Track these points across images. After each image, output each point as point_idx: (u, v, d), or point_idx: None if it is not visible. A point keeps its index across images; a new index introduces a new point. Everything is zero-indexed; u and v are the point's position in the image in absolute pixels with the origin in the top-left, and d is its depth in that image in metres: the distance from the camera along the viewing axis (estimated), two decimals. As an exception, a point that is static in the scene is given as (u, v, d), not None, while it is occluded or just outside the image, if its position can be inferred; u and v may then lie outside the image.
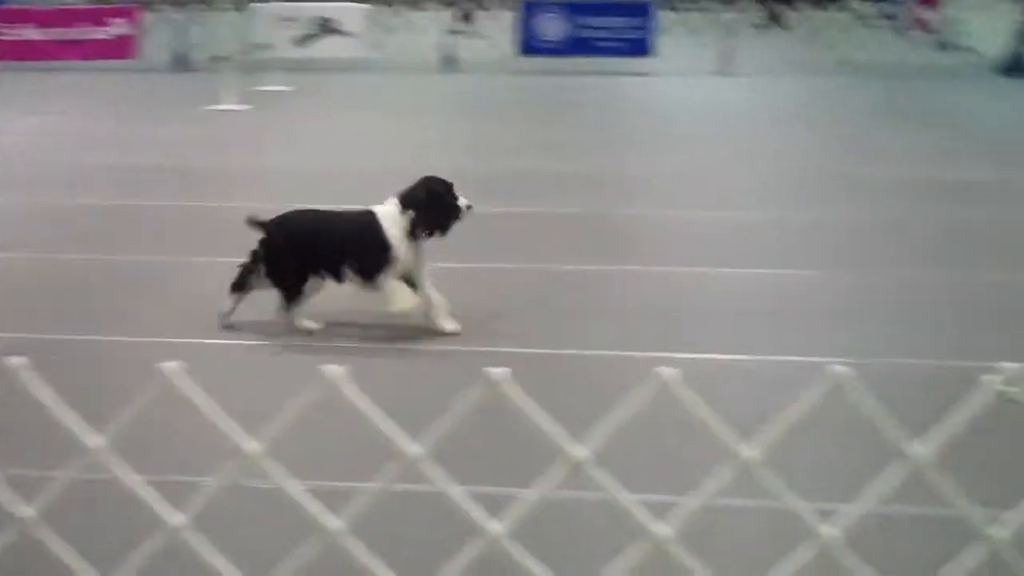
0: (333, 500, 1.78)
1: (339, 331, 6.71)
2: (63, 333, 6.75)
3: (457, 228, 6.72)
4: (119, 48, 20.93)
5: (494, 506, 1.77)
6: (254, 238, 6.78)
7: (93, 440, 1.76)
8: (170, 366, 1.75)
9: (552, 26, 20.91)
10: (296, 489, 1.75)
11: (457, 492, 1.72)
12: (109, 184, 11.22)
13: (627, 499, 1.74)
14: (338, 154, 12.79)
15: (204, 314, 6.87)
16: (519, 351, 6.30)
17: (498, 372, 1.72)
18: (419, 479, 1.71)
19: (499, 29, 22.10)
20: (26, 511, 1.77)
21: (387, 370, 6.08)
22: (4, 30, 20.97)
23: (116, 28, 21.08)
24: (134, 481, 1.77)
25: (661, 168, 11.99)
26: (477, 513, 1.72)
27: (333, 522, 1.73)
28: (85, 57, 20.69)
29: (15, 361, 1.72)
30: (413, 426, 1.80)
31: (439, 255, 6.83)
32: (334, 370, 1.73)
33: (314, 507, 1.73)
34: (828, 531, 1.74)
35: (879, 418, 1.77)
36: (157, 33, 21.42)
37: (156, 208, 10.23)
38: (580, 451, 1.74)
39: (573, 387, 5.72)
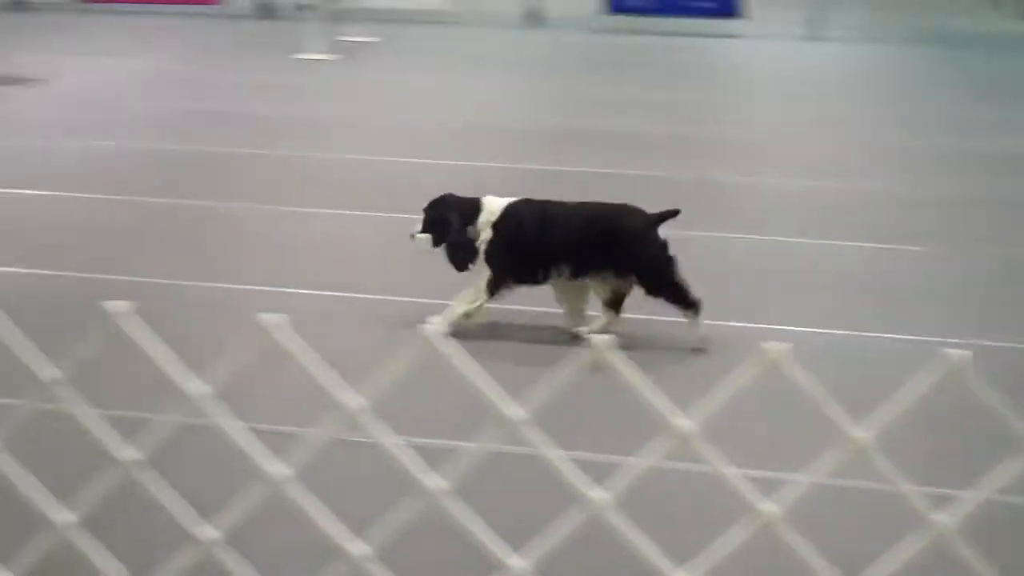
0: (435, 459, 1.76)
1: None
2: (167, 278, 6.86)
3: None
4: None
5: (600, 474, 1.74)
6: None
7: (196, 387, 1.75)
8: (271, 318, 1.73)
9: (642, -14, 20.63)
10: (395, 443, 1.73)
11: (557, 456, 1.69)
12: (203, 130, 11.32)
13: (734, 474, 1.70)
14: (424, 109, 12.76)
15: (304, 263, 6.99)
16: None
17: (601, 340, 1.68)
18: (518, 441, 1.69)
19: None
20: (130, 453, 1.77)
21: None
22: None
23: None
24: (235, 428, 1.76)
25: (750, 134, 11.82)
26: (579, 479, 1.69)
27: (434, 480, 1.71)
28: (170, 1, 20.88)
29: (117, 306, 1.71)
30: (515, 389, 1.77)
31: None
32: (430, 329, 1.70)
33: (414, 465, 1.71)
34: (943, 519, 1.69)
35: (1000, 405, 1.70)
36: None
37: (251, 156, 10.30)
38: (685, 423, 1.71)
39: (678, 357, 5.81)
